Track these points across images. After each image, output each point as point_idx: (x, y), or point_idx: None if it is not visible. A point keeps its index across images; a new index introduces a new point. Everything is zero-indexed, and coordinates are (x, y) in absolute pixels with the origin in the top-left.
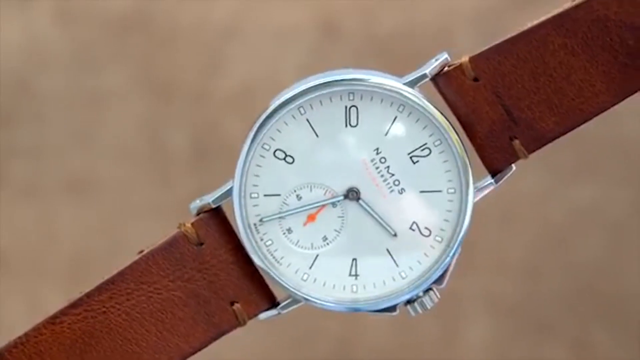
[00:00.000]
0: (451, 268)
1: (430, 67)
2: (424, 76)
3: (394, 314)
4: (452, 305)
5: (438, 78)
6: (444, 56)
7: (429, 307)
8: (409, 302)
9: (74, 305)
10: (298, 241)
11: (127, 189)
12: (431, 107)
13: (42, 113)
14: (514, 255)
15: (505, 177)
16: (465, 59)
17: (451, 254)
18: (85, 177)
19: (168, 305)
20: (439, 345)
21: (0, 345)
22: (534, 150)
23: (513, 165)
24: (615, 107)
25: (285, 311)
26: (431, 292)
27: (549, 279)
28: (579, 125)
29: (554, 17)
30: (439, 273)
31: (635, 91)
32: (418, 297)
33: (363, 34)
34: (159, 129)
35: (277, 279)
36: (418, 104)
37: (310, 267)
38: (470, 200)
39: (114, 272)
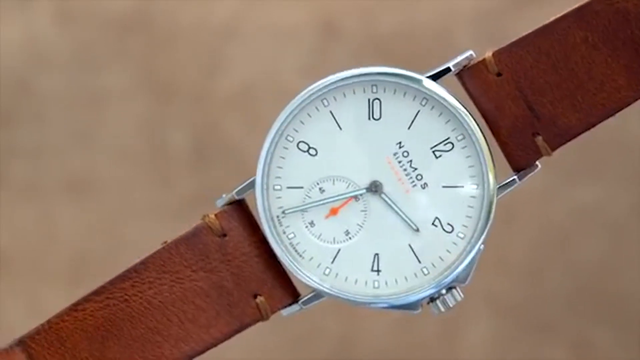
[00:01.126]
0: (474, 265)
1: (455, 62)
2: (448, 70)
3: (416, 312)
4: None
5: (462, 73)
6: (469, 52)
7: (451, 306)
8: (432, 299)
9: (96, 292)
10: (320, 235)
11: (127, 189)
12: (454, 100)
13: (42, 113)
14: (515, 254)
15: (530, 174)
16: (489, 53)
17: (474, 251)
18: (85, 177)
19: (190, 295)
20: (439, 345)
21: (1, 344)
22: (557, 147)
23: (538, 163)
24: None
25: (307, 306)
26: (454, 290)
27: (550, 279)
28: (602, 121)
29: (575, 10)
30: (461, 270)
31: None
32: (441, 294)
33: (363, 34)
34: (159, 129)
35: (299, 272)
36: (441, 97)
37: (333, 262)
38: (494, 196)
39: (136, 261)
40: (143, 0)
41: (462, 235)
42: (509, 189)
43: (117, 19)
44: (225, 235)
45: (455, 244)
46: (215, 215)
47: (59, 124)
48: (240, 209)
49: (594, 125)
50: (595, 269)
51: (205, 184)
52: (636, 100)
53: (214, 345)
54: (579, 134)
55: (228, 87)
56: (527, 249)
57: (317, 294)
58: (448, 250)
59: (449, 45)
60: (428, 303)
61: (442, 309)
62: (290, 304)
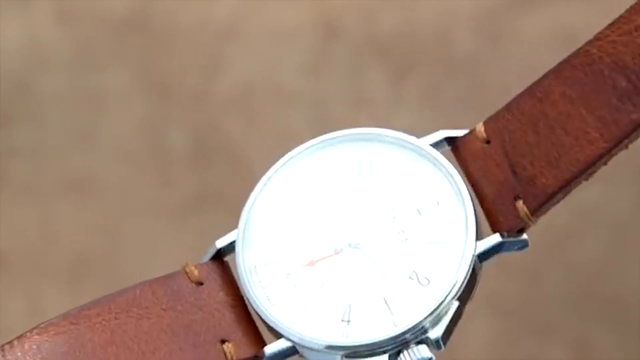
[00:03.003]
0: (447, 322)
1: (448, 133)
2: (442, 140)
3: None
4: None
5: (454, 143)
6: (463, 132)
7: None
8: (399, 352)
9: (63, 316)
10: (295, 285)
11: (127, 189)
12: (446, 161)
13: (42, 113)
14: (515, 255)
15: (517, 244)
16: (480, 124)
17: (447, 305)
18: (85, 177)
19: (156, 330)
20: None
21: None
22: (536, 209)
23: (526, 235)
24: None
25: (272, 352)
26: (423, 346)
27: (550, 279)
28: (577, 177)
29: (555, 67)
30: (433, 323)
31: (626, 136)
32: (409, 347)
33: (363, 34)
34: (159, 129)
35: (269, 319)
36: (434, 158)
37: (304, 311)
38: (470, 254)
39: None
40: (143, 1)
41: (437, 289)
42: (495, 255)
43: (117, 19)
44: (201, 283)
45: (429, 297)
46: (195, 265)
47: (59, 124)
48: (221, 263)
49: (569, 182)
50: (595, 269)
51: (205, 184)
52: (609, 151)
53: None
54: (555, 193)
55: (228, 87)
56: (528, 250)
57: (284, 351)
58: (422, 303)
59: (449, 45)
60: (397, 356)
61: None
62: (256, 356)
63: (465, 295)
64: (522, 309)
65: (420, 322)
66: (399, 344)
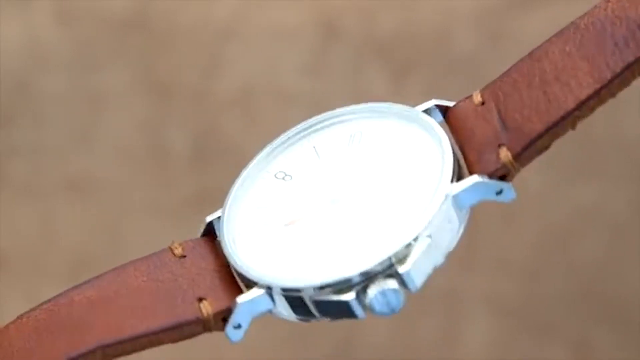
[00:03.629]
0: (416, 257)
1: (441, 102)
2: (435, 109)
3: (359, 314)
4: (452, 305)
5: (447, 111)
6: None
7: (389, 297)
8: (366, 288)
9: (47, 300)
10: (275, 240)
11: (127, 189)
12: (433, 120)
13: (42, 113)
14: (515, 255)
15: (494, 188)
16: (476, 90)
17: (416, 241)
18: (85, 177)
19: (134, 292)
20: (439, 345)
21: None
22: (519, 153)
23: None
24: (617, 107)
25: (244, 300)
26: (390, 280)
27: (550, 280)
28: (564, 119)
29: (558, 32)
30: (401, 258)
31: (617, 76)
32: (377, 281)
33: (363, 34)
34: (159, 129)
35: (242, 268)
36: (423, 120)
37: (277, 258)
38: (443, 192)
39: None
40: (143, 1)
41: (406, 226)
42: (476, 200)
43: (117, 19)
44: (184, 256)
45: (398, 233)
46: (180, 242)
47: (59, 124)
48: (211, 239)
49: (554, 125)
50: (595, 269)
51: (205, 184)
52: (598, 92)
53: (146, 335)
54: (539, 136)
55: (228, 87)
56: (527, 250)
57: (256, 301)
58: (390, 239)
59: (449, 45)
60: (363, 293)
61: (381, 301)
62: (230, 309)
63: (442, 238)
64: (522, 308)
65: (388, 256)
66: (366, 278)
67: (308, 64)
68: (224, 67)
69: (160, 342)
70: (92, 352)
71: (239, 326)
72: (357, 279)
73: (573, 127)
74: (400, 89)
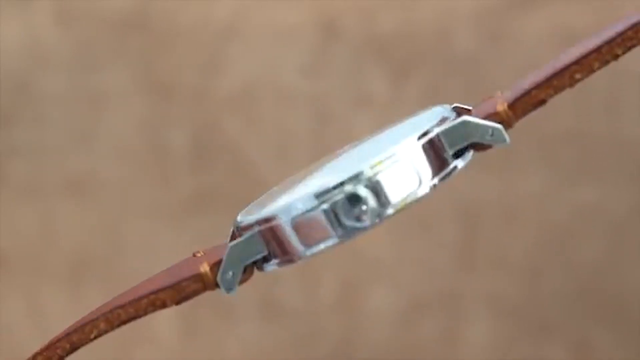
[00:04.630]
0: (384, 172)
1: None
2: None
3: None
4: (452, 305)
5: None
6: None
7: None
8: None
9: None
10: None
11: (127, 189)
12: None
13: (42, 113)
14: (515, 255)
15: (486, 130)
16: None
17: (389, 161)
18: (85, 177)
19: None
20: (439, 345)
21: (0, 344)
22: (512, 102)
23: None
24: (617, 107)
25: (233, 243)
26: (361, 187)
27: (550, 279)
28: (562, 71)
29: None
30: (372, 173)
31: (619, 35)
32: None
33: (363, 34)
34: (159, 129)
35: (237, 218)
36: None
37: (267, 200)
38: (428, 125)
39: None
40: (143, 1)
41: (384, 152)
42: (467, 141)
43: (117, 19)
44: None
45: (373, 157)
46: (204, 249)
47: (59, 124)
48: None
49: (551, 77)
50: (595, 269)
51: (205, 184)
52: (599, 49)
53: (147, 295)
54: (535, 87)
55: (228, 87)
56: (527, 250)
57: (245, 243)
58: (364, 162)
59: (449, 45)
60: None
61: (347, 209)
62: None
63: (418, 165)
64: (522, 308)
65: (359, 173)
66: (337, 194)
67: (308, 63)
68: (224, 66)
69: (163, 304)
70: (94, 320)
71: (232, 276)
72: (327, 194)
73: (571, 84)
74: (400, 89)
